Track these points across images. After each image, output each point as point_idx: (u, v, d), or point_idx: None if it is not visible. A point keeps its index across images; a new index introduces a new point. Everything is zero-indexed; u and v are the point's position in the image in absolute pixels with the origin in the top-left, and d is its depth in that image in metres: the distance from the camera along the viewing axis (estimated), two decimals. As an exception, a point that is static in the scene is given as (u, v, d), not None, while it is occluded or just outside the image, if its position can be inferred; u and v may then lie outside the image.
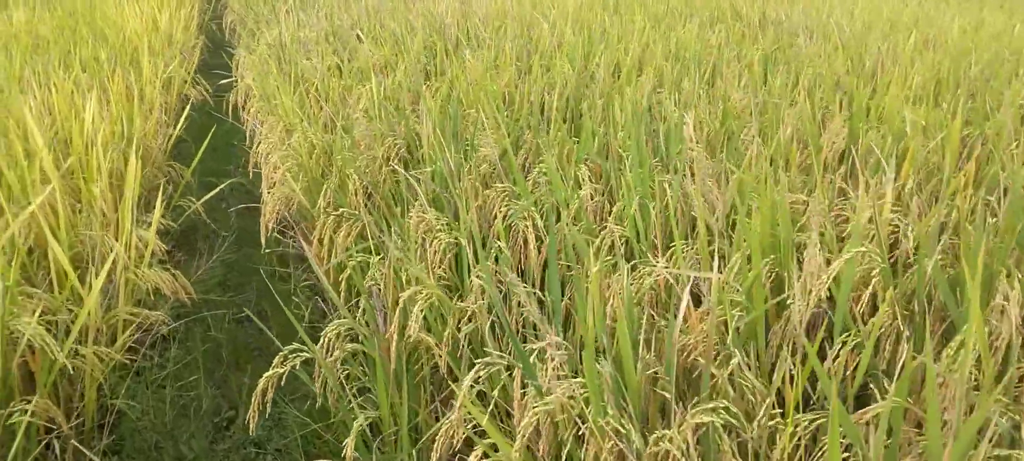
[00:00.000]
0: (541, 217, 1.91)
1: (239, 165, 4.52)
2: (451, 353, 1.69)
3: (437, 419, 1.77)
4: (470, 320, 1.60)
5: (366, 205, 2.37)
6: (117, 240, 2.54)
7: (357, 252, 2.11)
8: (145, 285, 2.42)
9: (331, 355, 1.64)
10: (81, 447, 2.01)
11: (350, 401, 1.74)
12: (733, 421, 1.07)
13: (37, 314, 1.90)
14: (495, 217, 2.01)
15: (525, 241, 1.93)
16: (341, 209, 2.24)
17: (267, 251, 2.96)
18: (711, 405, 1.05)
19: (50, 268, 2.26)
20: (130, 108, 3.56)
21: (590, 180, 2.04)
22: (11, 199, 2.54)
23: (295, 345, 1.64)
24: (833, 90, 3.04)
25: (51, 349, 1.69)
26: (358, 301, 2.16)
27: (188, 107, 3.96)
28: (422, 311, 1.56)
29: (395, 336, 1.56)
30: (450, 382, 1.82)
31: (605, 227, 1.79)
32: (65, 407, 2.08)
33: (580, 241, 1.66)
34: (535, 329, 1.54)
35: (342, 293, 1.84)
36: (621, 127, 2.30)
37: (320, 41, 3.99)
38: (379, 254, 2.21)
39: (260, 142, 3.00)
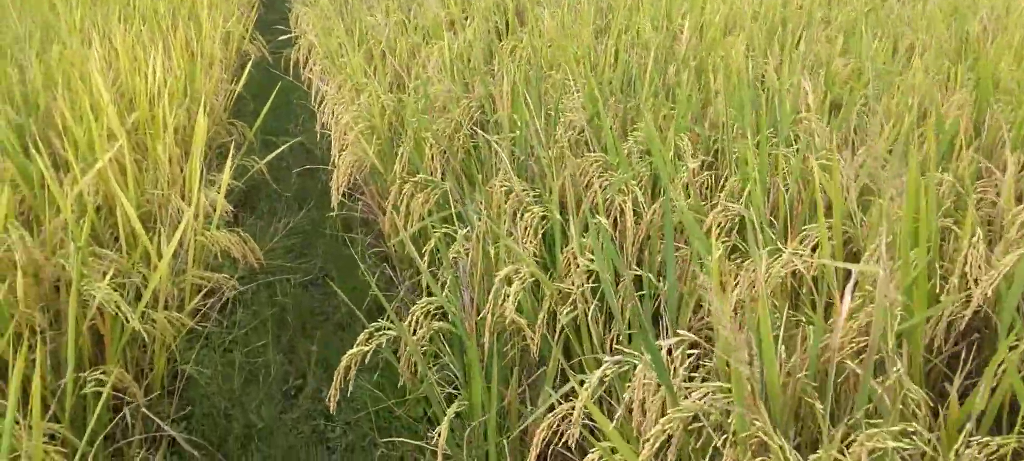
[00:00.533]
0: (640, 190, 1.74)
1: (299, 124, 4.44)
2: (544, 337, 1.56)
3: (524, 404, 1.65)
4: (571, 304, 1.46)
5: (441, 171, 2.24)
6: (184, 200, 2.46)
7: (436, 222, 1.98)
8: (214, 248, 2.34)
9: (416, 333, 1.52)
10: (151, 415, 1.95)
11: (432, 382, 1.62)
12: (916, 446, 0.91)
13: (108, 277, 1.83)
14: (588, 188, 1.85)
15: (619, 216, 1.77)
16: (418, 175, 2.11)
17: (331, 213, 2.87)
18: (896, 428, 0.90)
19: (119, 228, 2.19)
20: (192, 63, 3.48)
21: (691, 152, 1.86)
22: (78, 156, 2.48)
23: (381, 323, 1.53)
24: (945, 57, 2.78)
25: (124, 314, 1.61)
26: (433, 271, 2.04)
27: (249, 64, 3.86)
28: (519, 292, 1.42)
29: (489, 316, 1.43)
30: (538, 367, 1.69)
31: (715, 204, 1.62)
32: (134, 372, 2.02)
33: (690, 220, 1.50)
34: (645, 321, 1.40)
35: (423, 259, 1.72)
36: (721, 93, 2.11)
37: (384, -5, 3.83)
38: (458, 223, 2.08)
39: (326, 102, 2.88)
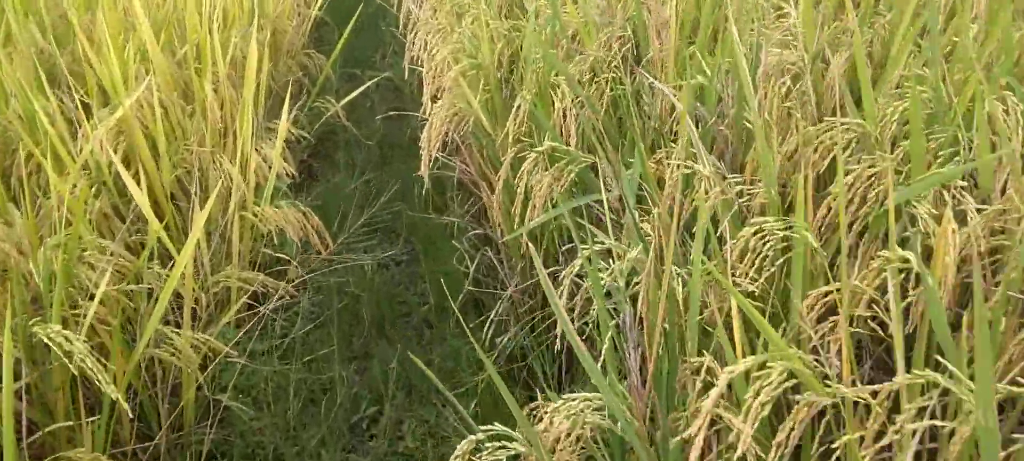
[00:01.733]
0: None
1: (387, 54, 3.80)
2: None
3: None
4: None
5: (578, 134, 1.54)
6: (232, 161, 1.88)
7: (569, 213, 1.30)
8: (264, 229, 1.75)
9: (557, 446, 0.87)
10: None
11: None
12: None
13: (100, 290, 1.25)
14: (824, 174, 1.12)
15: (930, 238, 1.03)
16: (547, 144, 1.42)
17: (418, 173, 2.24)
18: None
19: (146, 202, 1.62)
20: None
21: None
22: (106, 104, 1.93)
23: (496, 429, 0.87)
24: None
25: (98, 377, 1.02)
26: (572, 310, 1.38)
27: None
28: (769, 400, 0.73)
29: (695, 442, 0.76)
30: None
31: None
32: (150, 398, 1.47)
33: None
34: None
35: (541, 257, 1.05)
36: None
37: None
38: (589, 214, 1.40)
39: (417, 29, 2.21)
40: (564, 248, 1.66)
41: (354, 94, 2.61)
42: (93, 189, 1.68)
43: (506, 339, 1.73)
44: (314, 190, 2.67)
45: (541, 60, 1.61)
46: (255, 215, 1.74)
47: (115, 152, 1.73)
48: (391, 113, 2.97)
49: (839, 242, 0.89)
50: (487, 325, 1.77)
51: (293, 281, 1.80)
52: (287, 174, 2.03)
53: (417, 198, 2.52)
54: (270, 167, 1.91)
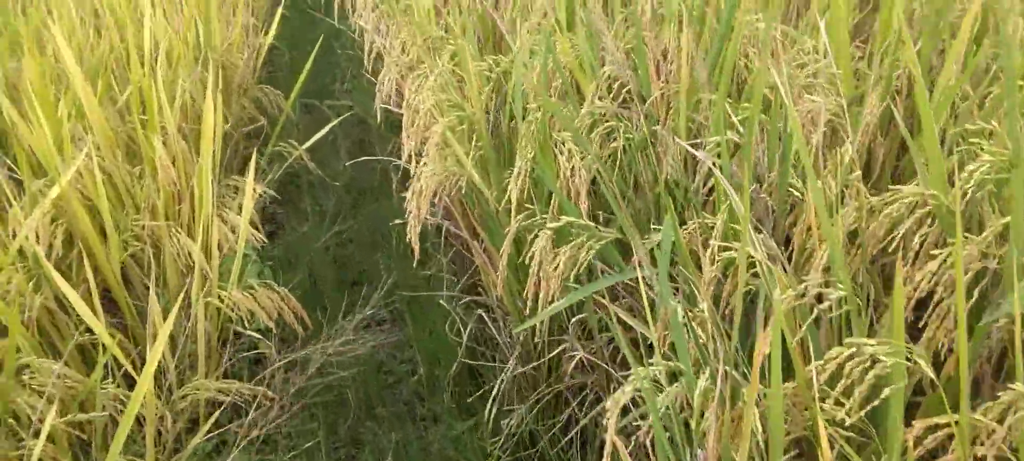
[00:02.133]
0: None
1: (345, 79, 3.58)
2: None
3: None
4: None
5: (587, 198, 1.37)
6: (191, 233, 1.65)
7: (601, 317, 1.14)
8: (234, 314, 1.54)
9: None
10: None
11: None
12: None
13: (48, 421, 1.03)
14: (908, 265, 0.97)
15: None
16: (562, 219, 1.25)
17: (397, 222, 2.03)
18: None
19: (91, 287, 1.39)
20: (206, 7, 2.62)
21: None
22: (39, 173, 1.68)
23: None
24: None
25: None
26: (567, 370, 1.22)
27: (279, 10, 2.99)
28: None
29: None
30: None
31: None
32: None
33: None
34: None
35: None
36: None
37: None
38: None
39: (386, 70, 2.01)
40: (574, 319, 1.49)
41: (319, 135, 2.39)
42: (31, 283, 1.44)
43: (512, 423, 1.55)
44: (280, 241, 2.46)
45: (539, 109, 1.43)
46: (222, 300, 1.52)
47: (54, 233, 1.49)
48: (359, 139, 2.76)
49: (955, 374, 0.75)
50: (490, 403, 1.59)
51: (272, 388, 1.59)
52: (253, 238, 1.81)
53: (395, 248, 2.33)
54: (236, 235, 1.70)
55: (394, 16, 2.37)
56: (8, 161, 1.66)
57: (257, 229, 1.77)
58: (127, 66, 2.21)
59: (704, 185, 1.31)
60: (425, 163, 1.53)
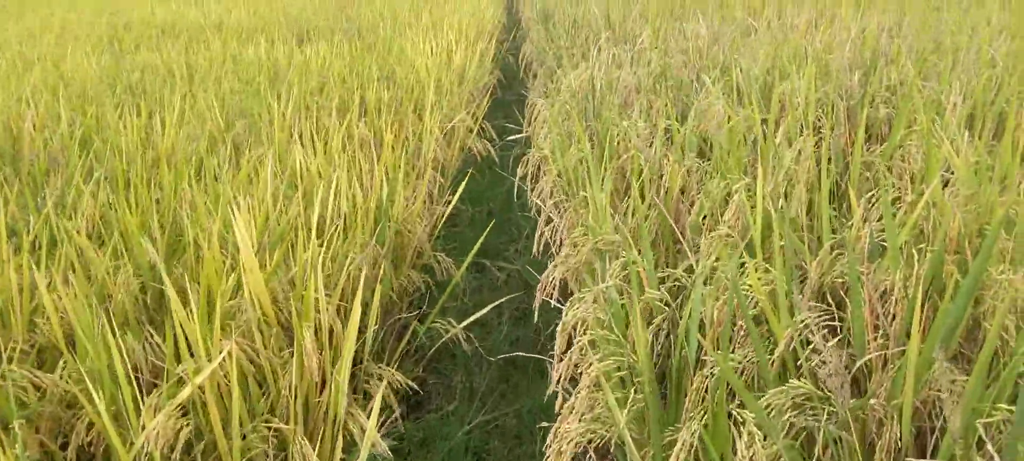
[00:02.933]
0: None
1: (520, 240, 3.49)
2: None
3: None
4: None
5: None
6: (313, 439, 1.53)
7: None
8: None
9: None
10: None
11: None
12: None
13: None
14: None
15: None
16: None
17: (542, 425, 1.78)
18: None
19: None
20: (394, 177, 2.67)
21: None
22: (185, 354, 1.67)
23: None
24: None
25: None
26: None
27: (466, 179, 2.99)
28: None
29: None
30: None
31: None
32: None
33: None
34: None
35: None
36: None
37: (645, 88, 2.75)
38: None
39: (549, 271, 1.83)
40: None
41: (480, 314, 2.26)
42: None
43: None
44: (422, 422, 2.30)
45: (717, 367, 1.14)
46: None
47: (179, 434, 1.43)
48: (522, 329, 2.60)
49: None
50: None
51: None
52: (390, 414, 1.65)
53: (538, 448, 2.07)
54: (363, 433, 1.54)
55: (568, 196, 2.23)
56: (158, 341, 1.66)
57: (380, 440, 1.60)
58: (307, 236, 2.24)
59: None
60: (572, 407, 1.29)
